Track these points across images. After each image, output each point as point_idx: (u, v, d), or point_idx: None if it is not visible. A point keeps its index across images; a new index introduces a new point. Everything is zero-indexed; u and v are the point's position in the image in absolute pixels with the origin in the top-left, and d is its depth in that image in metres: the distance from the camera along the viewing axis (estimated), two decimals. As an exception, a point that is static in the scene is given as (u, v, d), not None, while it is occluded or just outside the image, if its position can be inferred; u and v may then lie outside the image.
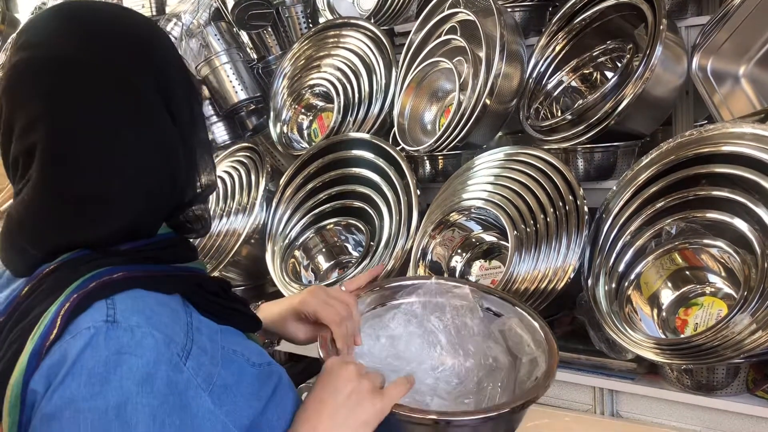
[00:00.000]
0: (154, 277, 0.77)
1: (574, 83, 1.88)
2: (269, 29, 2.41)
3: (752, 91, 1.63)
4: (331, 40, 2.25)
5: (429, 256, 1.78)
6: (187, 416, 0.70)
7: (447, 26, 1.94)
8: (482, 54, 1.78)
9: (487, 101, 1.75)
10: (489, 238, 1.81)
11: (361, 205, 2.00)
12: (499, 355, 1.10)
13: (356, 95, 2.14)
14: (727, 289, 1.44)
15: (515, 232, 1.63)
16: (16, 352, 0.69)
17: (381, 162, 1.93)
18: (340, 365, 0.87)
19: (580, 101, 1.78)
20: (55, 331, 0.68)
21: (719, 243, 1.44)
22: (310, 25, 2.39)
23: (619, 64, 1.74)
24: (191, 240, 0.88)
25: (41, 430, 0.65)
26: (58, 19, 0.78)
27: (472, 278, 1.81)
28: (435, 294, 1.18)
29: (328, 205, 2.05)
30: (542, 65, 1.86)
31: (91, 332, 0.67)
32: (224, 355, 0.79)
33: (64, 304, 0.69)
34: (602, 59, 1.85)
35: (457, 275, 1.80)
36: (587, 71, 1.87)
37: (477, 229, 1.81)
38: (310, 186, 2.05)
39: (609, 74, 1.81)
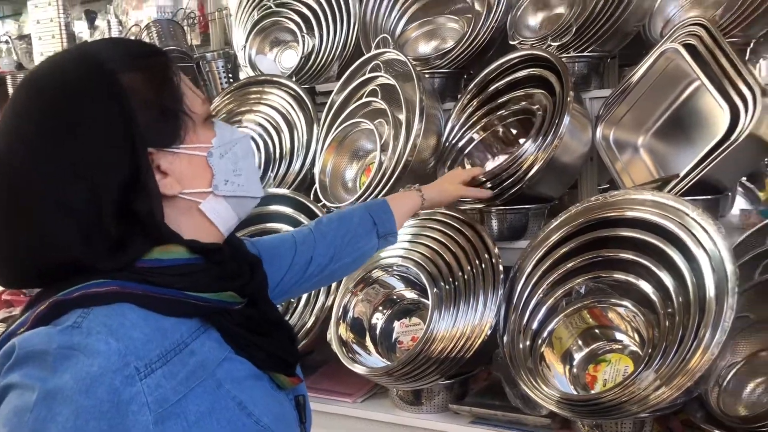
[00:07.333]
0: (152, 296, 0.77)
1: (484, 140, 1.94)
2: (189, 82, 2.41)
3: (650, 160, 1.77)
4: (253, 96, 2.27)
5: (350, 313, 1.80)
6: (119, 427, 0.71)
7: (368, 89, 2.00)
8: (402, 117, 1.85)
9: (408, 161, 1.81)
10: (410, 295, 1.85)
11: (281, 261, 1.99)
12: None
13: (277, 151, 2.16)
14: (633, 347, 1.52)
15: (435, 289, 1.68)
16: None
17: (302, 218, 1.94)
18: None
19: (494, 166, 1.87)
20: (24, 327, 0.73)
21: (625, 303, 1.53)
22: (231, 81, 2.40)
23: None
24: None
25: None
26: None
27: (394, 335, 1.83)
28: None
29: (247, 261, 2.03)
30: (457, 128, 1.94)
31: (50, 329, 0.72)
32: (207, 387, 0.80)
33: (40, 305, 0.74)
34: (511, 119, 1.93)
35: (378, 333, 1.83)
36: (498, 130, 1.95)
37: (399, 286, 1.85)
38: (229, 241, 2.03)
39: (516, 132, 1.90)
